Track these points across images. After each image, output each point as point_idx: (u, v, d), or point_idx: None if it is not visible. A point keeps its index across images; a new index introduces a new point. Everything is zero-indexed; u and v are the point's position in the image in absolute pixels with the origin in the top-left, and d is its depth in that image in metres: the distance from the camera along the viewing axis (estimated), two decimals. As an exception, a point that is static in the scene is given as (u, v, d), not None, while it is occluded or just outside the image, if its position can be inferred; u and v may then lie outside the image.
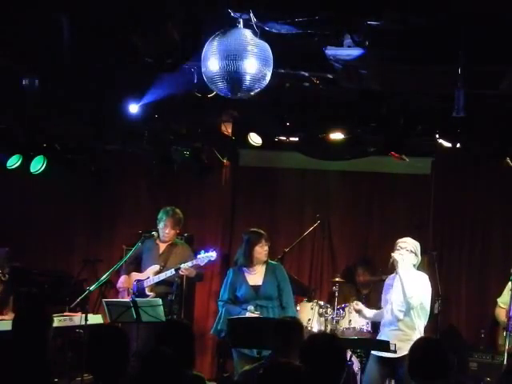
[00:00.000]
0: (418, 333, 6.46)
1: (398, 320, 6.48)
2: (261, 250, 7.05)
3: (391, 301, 6.56)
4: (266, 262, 7.13)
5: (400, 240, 6.62)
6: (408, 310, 6.45)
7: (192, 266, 7.33)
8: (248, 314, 6.79)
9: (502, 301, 7.13)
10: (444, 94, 5.40)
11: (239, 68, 4.42)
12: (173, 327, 4.79)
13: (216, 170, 9.15)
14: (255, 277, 7.06)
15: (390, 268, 6.63)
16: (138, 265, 7.74)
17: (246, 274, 7.06)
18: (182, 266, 7.28)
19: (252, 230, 7.24)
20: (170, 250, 7.70)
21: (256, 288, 6.99)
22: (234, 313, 6.86)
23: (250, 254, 7.05)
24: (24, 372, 4.27)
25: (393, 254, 6.51)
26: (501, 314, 7.15)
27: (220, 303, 7.11)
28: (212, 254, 7.28)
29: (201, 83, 5.50)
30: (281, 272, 7.14)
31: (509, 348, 6.46)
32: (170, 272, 7.31)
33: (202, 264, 7.37)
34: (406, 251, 6.55)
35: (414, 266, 6.59)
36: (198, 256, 7.33)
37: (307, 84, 6.20)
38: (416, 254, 6.58)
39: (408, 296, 6.40)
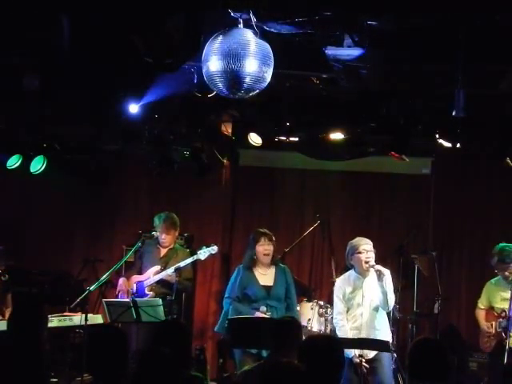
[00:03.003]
0: (387, 325, 6.68)
1: (375, 321, 6.56)
2: (261, 249, 7.07)
3: (367, 304, 6.60)
4: (275, 264, 7.16)
5: (362, 243, 6.67)
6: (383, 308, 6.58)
7: (174, 272, 7.29)
8: (258, 315, 6.79)
9: (481, 302, 7.23)
10: (444, 94, 5.39)
11: (239, 68, 4.42)
12: (170, 327, 4.79)
13: (216, 170, 9.14)
14: (266, 277, 7.11)
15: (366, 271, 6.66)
16: (139, 268, 7.75)
17: (256, 274, 7.10)
18: (166, 271, 7.32)
19: (257, 229, 7.28)
20: (171, 254, 7.72)
21: (267, 288, 7.04)
22: (242, 312, 6.88)
23: (252, 253, 7.10)
24: (18, 371, 4.27)
25: (380, 268, 6.54)
26: (480, 315, 7.23)
27: (227, 300, 7.10)
28: (213, 248, 7.38)
29: (201, 83, 5.51)
30: (289, 275, 7.24)
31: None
32: (171, 271, 7.31)
33: (203, 258, 7.45)
34: (374, 254, 6.61)
35: None
36: (199, 251, 7.38)
37: (307, 84, 6.20)
38: None
39: (388, 302, 6.52)
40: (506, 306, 6.83)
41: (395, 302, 7.24)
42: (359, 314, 6.63)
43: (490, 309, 7.14)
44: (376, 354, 6.49)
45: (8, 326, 4.79)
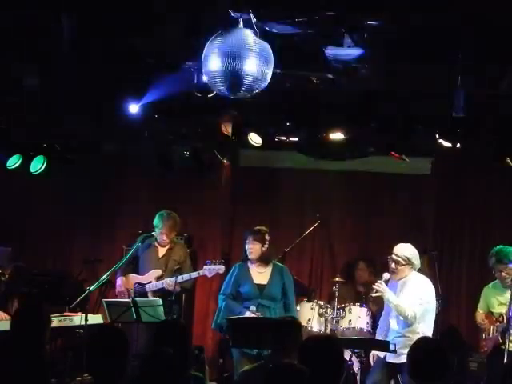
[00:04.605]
0: (422, 330, 6.48)
1: (398, 327, 6.51)
2: (247, 248, 7.10)
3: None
4: (272, 263, 7.16)
5: (394, 251, 6.58)
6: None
7: (181, 282, 7.25)
8: (248, 314, 6.80)
9: (480, 307, 7.25)
10: (444, 94, 5.40)
11: (239, 68, 4.42)
12: (170, 327, 4.79)
13: (216, 170, 9.15)
14: (261, 276, 7.09)
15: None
16: (135, 265, 7.71)
17: (251, 272, 7.09)
18: (166, 280, 7.32)
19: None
20: (170, 254, 7.68)
21: (261, 287, 7.03)
22: (234, 310, 6.89)
23: (244, 250, 7.14)
24: (20, 372, 4.27)
25: (375, 287, 6.53)
26: (478, 316, 7.25)
27: (221, 296, 7.10)
28: (220, 267, 7.31)
29: (201, 83, 5.51)
30: (287, 275, 7.20)
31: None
32: (171, 280, 7.28)
33: (209, 275, 7.41)
34: (400, 266, 6.54)
35: (415, 269, 6.62)
36: (205, 267, 7.32)
37: (307, 84, 6.21)
38: (410, 263, 6.57)
39: (404, 316, 6.43)
40: (503, 310, 6.81)
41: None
42: (389, 317, 6.62)
43: (489, 313, 7.14)
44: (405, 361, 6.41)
45: (11, 326, 4.80)
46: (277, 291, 7.04)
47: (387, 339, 6.53)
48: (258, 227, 7.24)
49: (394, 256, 6.55)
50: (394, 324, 6.56)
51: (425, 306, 6.51)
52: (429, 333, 6.53)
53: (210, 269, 7.28)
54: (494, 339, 6.92)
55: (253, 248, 7.07)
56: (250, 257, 7.09)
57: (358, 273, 8.75)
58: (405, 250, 6.58)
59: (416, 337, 6.35)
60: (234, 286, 7.04)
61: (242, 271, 7.10)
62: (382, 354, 6.54)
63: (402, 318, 6.46)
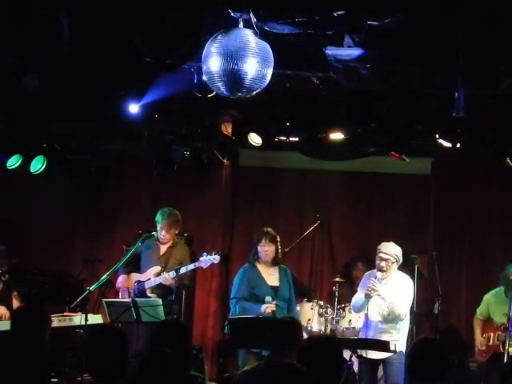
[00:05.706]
0: (403, 332, 6.56)
1: (386, 323, 6.53)
2: (261, 250, 7.09)
3: (381, 305, 6.57)
4: (277, 264, 7.17)
5: (382, 250, 6.65)
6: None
7: (175, 276, 7.23)
8: (264, 306, 6.79)
9: (480, 313, 7.25)
10: (444, 94, 5.40)
11: (239, 68, 4.42)
12: (170, 327, 4.79)
13: (216, 170, 9.15)
14: (272, 278, 7.13)
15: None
16: (136, 264, 7.71)
17: (263, 274, 7.10)
18: (164, 274, 7.29)
19: (262, 228, 7.29)
20: (171, 252, 7.68)
21: (275, 289, 7.06)
22: (249, 309, 6.86)
23: (254, 252, 7.13)
24: (19, 372, 4.27)
25: (371, 286, 6.56)
26: (477, 325, 7.26)
27: (233, 301, 7.05)
28: (215, 257, 7.29)
29: (201, 83, 5.51)
30: (290, 276, 7.26)
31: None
32: (171, 275, 7.27)
33: (204, 267, 7.40)
34: (390, 264, 6.62)
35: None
36: (201, 259, 7.30)
37: (307, 84, 6.20)
38: (398, 261, 6.69)
39: (396, 314, 6.48)
40: (505, 320, 6.82)
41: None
42: (372, 311, 6.64)
43: (488, 319, 7.14)
44: (387, 357, 6.44)
45: (11, 326, 4.81)
46: (287, 292, 7.12)
47: (367, 334, 6.57)
48: (269, 229, 7.22)
49: (383, 255, 6.63)
50: (376, 319, 6.58)
51: (409, 304, 6.57)
52: (407, 329, 6.64)
53: (206, 260, 7.27)
54: (495, 347, 6.93)
55: (269, 250, 7.09)
56: (264, 259, 7.09)
57: (356, 272, 8.74)
58: (393, 249, 6.69)
59: (396, 333, 6.48)
60: (247, 288, 7.01)
61: (252, 273, 7.09)
62: (363, 352, 6.55)
63: (390, 316, 6.48)
